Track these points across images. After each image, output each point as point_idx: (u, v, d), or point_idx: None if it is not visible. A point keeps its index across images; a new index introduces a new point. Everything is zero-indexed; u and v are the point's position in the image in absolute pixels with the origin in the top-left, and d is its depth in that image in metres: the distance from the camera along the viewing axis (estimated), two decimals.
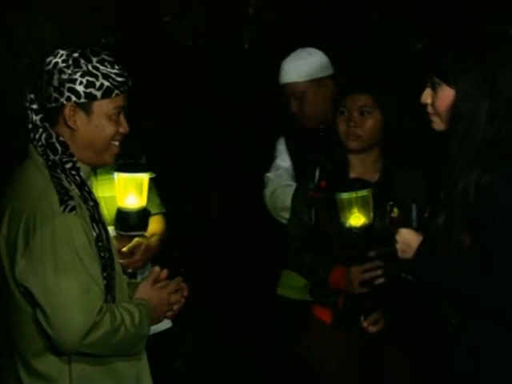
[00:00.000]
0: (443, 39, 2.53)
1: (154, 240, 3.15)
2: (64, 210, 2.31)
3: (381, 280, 3.10)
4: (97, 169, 3.30)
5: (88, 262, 2.33)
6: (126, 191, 3.00)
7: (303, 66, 3.73)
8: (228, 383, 4.40)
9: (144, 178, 3.02)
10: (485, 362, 2.43)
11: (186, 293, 2.60)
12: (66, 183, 2.37)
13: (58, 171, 2.37)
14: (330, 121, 3.66)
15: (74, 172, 2.39)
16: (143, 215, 3.06)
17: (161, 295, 2.52)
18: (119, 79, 2.42)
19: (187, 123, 4.47)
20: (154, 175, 3.10)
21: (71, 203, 2.32)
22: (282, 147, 3.79)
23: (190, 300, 2.60)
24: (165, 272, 2.55)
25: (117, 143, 2.47)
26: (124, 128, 2.47)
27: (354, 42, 4.52)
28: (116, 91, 2.41)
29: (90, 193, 2.43)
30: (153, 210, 3.18)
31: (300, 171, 3.72)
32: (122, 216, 3.02)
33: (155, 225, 3.19)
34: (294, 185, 3.65)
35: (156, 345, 3.11)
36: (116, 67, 2.42)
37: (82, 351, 2.34)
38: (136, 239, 3.05)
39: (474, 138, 2.40)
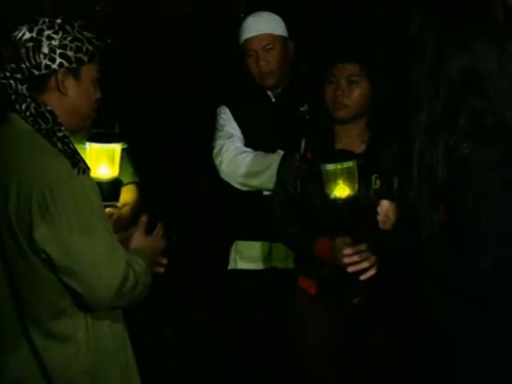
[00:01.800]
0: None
1: (125, 210, 3.15)
2: (78, 172, 2.34)
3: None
4: None
5: (106, 221, 2.41)
6: (98, 161, 2.99)
7: (273, 21, 3.73)
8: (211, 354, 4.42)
9: (116, 148, 3.01)
10: (459, 341, 2.42)
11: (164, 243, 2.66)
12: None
13: (54, 139, 2.38)
14: (285, 85, 3.69)
15: (66, 140, 2.40)
16: (115, 186, 3.06)
17: (154, 242, 2.60)
18: (98, 43, 2.47)
19: (166, 94, 4.46)
20: (126, 145, 3.10)
21: (82, 165, 2.36)
22: (226, 116, 3.75)
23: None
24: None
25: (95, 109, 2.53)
26: (99, 94, 2.52)
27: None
28: (97, 55, 2.46)
29: (84, 160, 2.44)
30: (125, 180, 3.18)
31: (251, 140, 3.72)
32: None
33: (127, 194, 3.19)
34: (253, 151, 3.66)
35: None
36: (92, 32, 2.47)
37: (113, 305, 2.42)
38: (108, 209, 3.05)
39: (420, 109, 2.38)
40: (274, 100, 3.77)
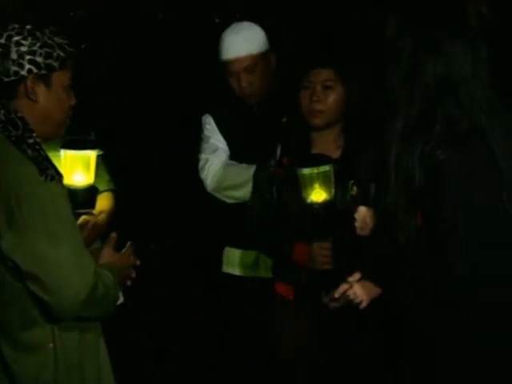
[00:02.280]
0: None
1: (101, 218, 3.13)
2: (45, 179, 2.30)
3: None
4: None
5: (74, 228, 2.38)
6: (73, 168, 2.96)
7: (252, 38, 3.65)
8: (188, 358, 4.41)
9: (91, 154, 2.99)
10: (440, 346, 2.41)
11: (138, 262, 2.63)
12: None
13: (24, 146, 2.35)
14: (267, 95, 3.67)
15: (37, 147, 2.37)
16: (90, 193, 3.04)
17: (123, 259, 2.58)
18: (70, 49, 2.44)
19: (143, 100, 4.46)
20: (102, 152, 3.08)
21: (50, 172, 2.33)
22: (211, 127, 3.73)
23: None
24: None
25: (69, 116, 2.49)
26: (73, 100, 2.49)
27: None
28: (69, 61, 2.43)
29: (56, 167, 2.41)
30: (101, 187, 3.15)
31: (236, 151, 3.70)
32: (69, 193, 2.98)
33: (103, 202, 3.17)
34: (237, 164, 3.66)
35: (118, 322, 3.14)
36: (64, 38, 2.43)
37: (81, 315, 2.38)
38: (83, 217, 3.03)
39: (395, 115, 2.38)
40: (256, 110, 3.73)
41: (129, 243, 2.62)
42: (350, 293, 2.69)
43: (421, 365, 2.45)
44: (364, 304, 2.70)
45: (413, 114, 2.37)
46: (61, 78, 2.43)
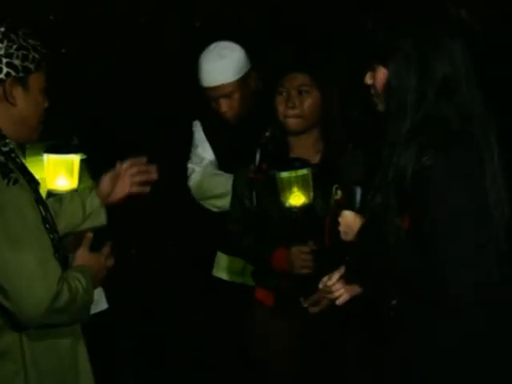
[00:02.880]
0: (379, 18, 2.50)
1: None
2: (8, 183, 2.27)
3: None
4: (25, 149, 3.27)
5: (40, 234, 2.31)
6: (56, 173, 2.94)
7: (230, 65, 3.63)
8: (171, 363, 4.40)
9: (74, 159, 2.96)
10: (421, 348, 2.40)
11: (112, 262, 2.61)
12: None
13: None
14: (248, 110, 3.66)
15: (13, 155, 2.35)
16: None
17: (99, 260, 2.54)
18: (44, 51, 2.42)
19: (128, 103, 4.44)
20: (85, 156, 3.05)
21: (13, 175, 2.29)
22: (199, 135, 3.73)
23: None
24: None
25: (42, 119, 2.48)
26: (46, 103, 2.47)
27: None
28: (43, 63, 2.40)
29: (31, 174, 2.39)
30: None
31: (222, 159, 3.72)
32: None
33: None
34: (222, 173, 3.68)
35: (98, 326, 3.11)
36: (36, 40, 2.41)
37: (46, 322, 2.32)
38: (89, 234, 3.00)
39: (404, 117, 2.37)
40: (239, 124, 3.72)
41: (106, 244, 2.59)
42: (330, 284, 2.68)
43: (409, 365, 2.43)
44: (342, 299, 2.68)
45: (419, 114, 2.36)
46: (37, 81, 2.41)
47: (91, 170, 3.27)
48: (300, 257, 3.20)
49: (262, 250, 3.31)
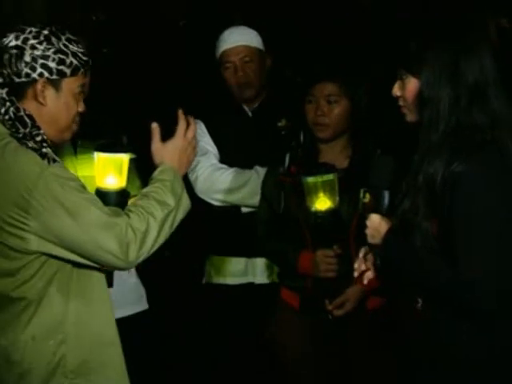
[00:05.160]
0: (408, 30, 2.51)
1: None
2: (48, 163, 2.37)
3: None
4: (77, 148, 3.30)
5: (90, 196, 2.43)
6: (106, 171, 2.95)
7: (251, 33, 3.75)
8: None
9: (124, 158, 2.97)
10: (443, 355, 2.43)
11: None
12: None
13: (32, 143, 2.40)
14: (262, 100, 3.71)
15: (44, 144, 2.42)
16: (122, 196, 3.02)
17: (175, 144, 2.59)
18: (85, 58, 2.49)
19: (172, 105, 4.44)
20: (134, 156, 3.07)
21: (51, 156, 2.39)
22: (201, 130, 3.74)
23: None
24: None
25: (76, 122, 2.55)
26: (82, 107, 2.54)
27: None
28: (82, 70, 2.48)
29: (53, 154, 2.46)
30: (132, 192, 3.13)
31: (227, 156, 3.72)
32: (101, 196, 2.96)
33: None
34: (229, 168, 3.67)
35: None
36: (80, 46, 2.49)
37: (142, 256, 2.43)
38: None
39: (437, 125, 2.39)
40: (250, 115, 3.77)
41: (180, 114, 2.60)
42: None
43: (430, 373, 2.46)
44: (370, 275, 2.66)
45: (451, 122, 2.38)
46: (71, 85, 2.48)
47: (138, 170, 3.31)
48: (325, 260, 3.25)
49: (288, 252, 3.35)
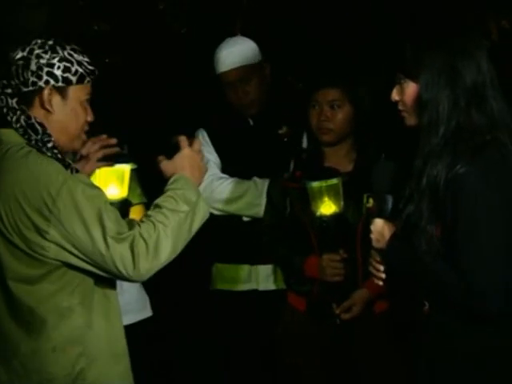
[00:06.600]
0: (405, 34, 2.53)
1: None
2: (71, 172, 2.42)
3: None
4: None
5: (108, 206, 2.44)
6: (107, 182, 2.96)
7: (245, 49, 3.72)
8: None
9: (125, 168, 2.99)
10: (443, 357, 2.44)
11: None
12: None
13: (44, 149, 2.45)
14: (263, 108, 3.71)
15: (55, 151, 2.47)
16: (124, 206, 3.03)
17: (182, 155, 2.61)
18: (90, 67, 2.53)
19: (173, 113, 4.47)
20: (135, 166, 3.08)
21: (74, 166, 2.45)
22: (204, 140, 3.75)
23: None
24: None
25: (85, 131, 2.58)
26: (90, 116, 2.57)
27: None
28: (87, 78, 2.52)
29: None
30: (134, 201, 3.17)
31: (229, 165, 3.74)
32: None
33: (136, 215, 3.15)
34: (229, 178, 3.69)
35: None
36: (85, 56, 2.53)
37: (158, 266, 2.44)
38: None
39: (437, 128, 2.40)
40: (252, 123, 3.78)
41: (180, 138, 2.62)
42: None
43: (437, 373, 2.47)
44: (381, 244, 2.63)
45: (451, 124, 2.39)
46: (78, 93, 2.53)
47: (140, 179, 3.32)
48: (331, 265, 3.27)
49: (294, 256, 3.37)
